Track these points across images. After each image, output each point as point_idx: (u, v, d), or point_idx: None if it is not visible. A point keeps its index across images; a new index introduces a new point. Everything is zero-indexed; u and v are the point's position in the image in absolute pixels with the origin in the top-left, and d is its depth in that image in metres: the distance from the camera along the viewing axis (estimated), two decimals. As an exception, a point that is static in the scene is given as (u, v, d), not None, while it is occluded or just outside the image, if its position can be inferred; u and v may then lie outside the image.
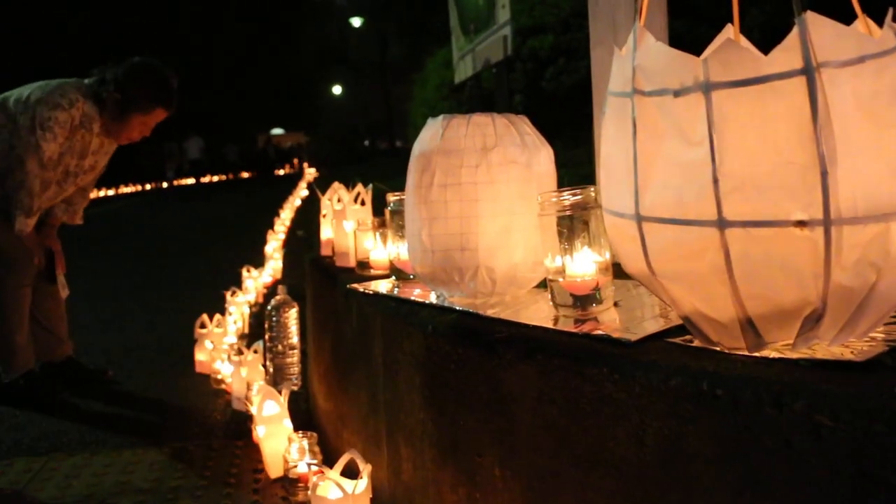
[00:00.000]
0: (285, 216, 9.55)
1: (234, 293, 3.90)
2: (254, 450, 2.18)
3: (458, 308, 1.43)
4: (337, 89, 38.72)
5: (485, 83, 6.85)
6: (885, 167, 0.79)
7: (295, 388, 2.79)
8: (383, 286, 1.76)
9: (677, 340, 1.03)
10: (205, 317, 3.23)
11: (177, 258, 7.85)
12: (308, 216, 10.92)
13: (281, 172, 33.17)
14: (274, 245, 6.54)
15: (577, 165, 6.04)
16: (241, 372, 2.59)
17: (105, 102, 2.85)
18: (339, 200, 2.36)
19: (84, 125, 2.84)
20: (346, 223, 2.17)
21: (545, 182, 1.48)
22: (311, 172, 30.11)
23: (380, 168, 16.64)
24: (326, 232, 2.45)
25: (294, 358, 2.81)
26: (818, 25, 0.79)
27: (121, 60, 2.92)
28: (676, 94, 0.87)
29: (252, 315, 4.15)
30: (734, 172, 0.83)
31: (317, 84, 37.40)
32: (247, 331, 3.86)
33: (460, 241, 1.43)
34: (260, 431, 2.03)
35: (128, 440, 2.45)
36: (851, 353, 0.88)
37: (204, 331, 3.20)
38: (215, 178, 26.22)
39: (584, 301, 1.26)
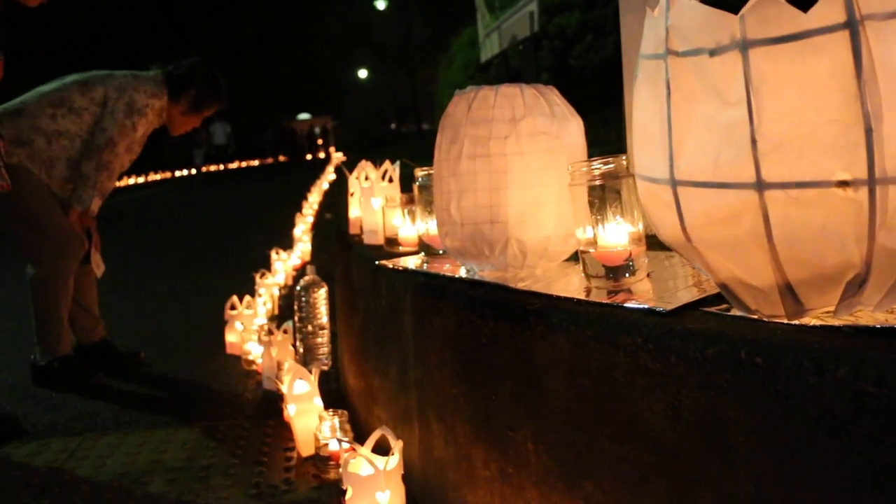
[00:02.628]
0: (313, 199, 9.58)
1: (263, 275, 3.92)
2: (285, 429, 2.19)
3: (488, 281, 1.41)
4: (362, 73, 38.69)
5: (511, 61, 6.78)
6: (933, 123, 0.76)
7: (325, 368, 2.80)
8: (412, 262, 1.75)
9: (713, 309, 1.01)
10: (234, 298, 3.24)
11: (207, 242, 7.92)
12: (335, 199, 10.96)
13: (309, 157, 33.42)
14: (302, 228, 6.57)
15: (605, 143, 5.98)
16: (272, 352, 2.60)
17: (180, 97, 3.07)
18: (366, 178, 2.35)
19: (160, 115, 3.07)
20: (375, 200, 2.16)
21: (575, 153, 1.45)
22: (338, 157, 30.24)
23: (407, 150, 16.61)
24: (355, 211, 2.44)
25: (324, 338, 2.81)
26: (861, -24, 0.76)
27: (161, 53, 3.13)
28: (712, 53, 0.84)
29: (281, 297, 4.17)
30: (773, 133, 0.80)
31: (342, 69, 37.40)
32: (276, 312, 3.88)
33: (490, 214, 1.41)
34: (291, 410, 2.03)
35: (160, 420, 2.46)
36: (897, 318, 0.85)
37: (234, 312, 3.21)
38: (248, 163, 26.50)
39: (616, 272, 1.24)
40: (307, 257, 5.71)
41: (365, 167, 2.44)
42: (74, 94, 2.88)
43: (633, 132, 1.01)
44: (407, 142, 26.27)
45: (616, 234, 1.26)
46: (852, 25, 0.75)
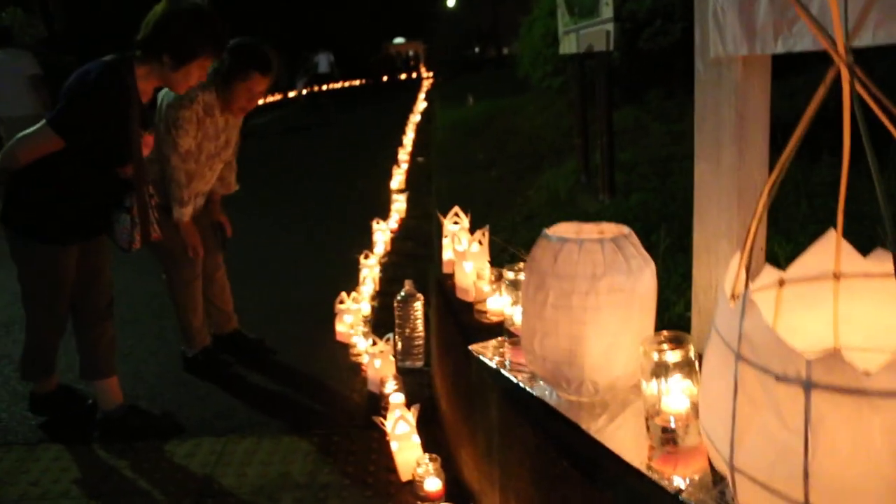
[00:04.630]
0: (407, 142, 9.45)
1: (366, 256, 3.97)
2: (386, 446, 2.25)
3: (564, 416, 1.44)
4: (451, 1, 37.53)
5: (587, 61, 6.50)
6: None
7: (420, 364, 2.90)
8: (497, 355, 1.77)
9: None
10: (343, 294, 3.33)
11: (312, 192, 7.70)
12: (426, 136, 10.85)
13: (404, 77, 33.58)
14: (399, 179, 6.62)
15: (669, 122, 5.79)
16: (375, 363, 2.69)
17: (216, 83, 2.86)
18: (459, 226, 2.38)
19: (207, 113, 2.86)
20: (467, 264, 2.18)
21: (647, 300, 1.45)
22: (428, 76, 29.85)
23: (489, 84, 16.20)
24: (448, 253, 2.46)
25: (419, 342, 2.90)
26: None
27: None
28: (778, 378, 0.84)
29: (382, 269, 4.23)
30: (824, 471, 0.80)
31: (433, -3, 36.64)
32: (378, 288, 3.90)
33: (568, 357, 1.44)
34: (393, 446, 2.13)
35: (285, 424, 2.57)
36: None
37: (343, 306, 3.30)
38: (351, 83, 26.66)
39: (675, 434, 1.26)
40: (403, 214, 5.69)
41: (457, 212, 2.48)
42: None
43: (702, 386, 1.01)
44: (488, 69, 25.63)
45: (678, 401, 1.27)
46: (908, 396, 0.75)
